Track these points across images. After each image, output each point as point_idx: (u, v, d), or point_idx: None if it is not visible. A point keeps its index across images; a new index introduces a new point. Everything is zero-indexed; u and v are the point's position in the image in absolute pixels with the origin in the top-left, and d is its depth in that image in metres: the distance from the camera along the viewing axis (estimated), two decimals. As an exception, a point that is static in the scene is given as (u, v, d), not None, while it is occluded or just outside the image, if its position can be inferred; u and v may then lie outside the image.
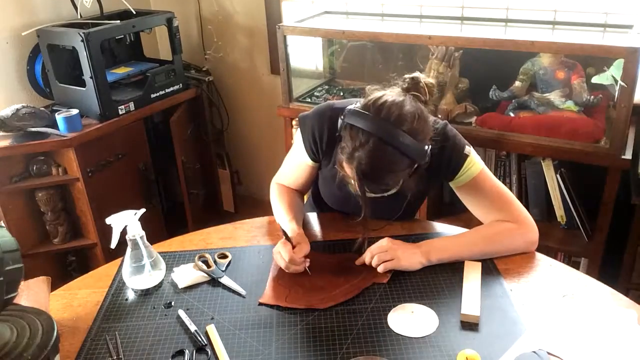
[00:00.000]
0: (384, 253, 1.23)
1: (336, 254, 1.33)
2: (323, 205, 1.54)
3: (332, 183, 1.42)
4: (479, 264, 1.23)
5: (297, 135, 1.42)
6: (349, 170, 1.15)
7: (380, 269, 1.22)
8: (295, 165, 1.44)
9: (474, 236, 1.30)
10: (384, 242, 1.26)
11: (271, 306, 1.16)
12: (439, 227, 1.43)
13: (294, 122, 1.79)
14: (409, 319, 1.10)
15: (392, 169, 1.12)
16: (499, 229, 1.28)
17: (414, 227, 1.41)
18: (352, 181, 1.19)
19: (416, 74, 1.21)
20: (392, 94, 1.15)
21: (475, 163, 1.28)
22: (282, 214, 1.38)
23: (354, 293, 1.17)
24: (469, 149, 1.29)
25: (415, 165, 1.15)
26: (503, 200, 1.29)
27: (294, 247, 1.25)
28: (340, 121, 1.17)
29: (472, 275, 1.20)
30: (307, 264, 1.24)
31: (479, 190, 1.29)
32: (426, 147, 1.14)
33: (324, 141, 1.34)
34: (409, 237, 1.31)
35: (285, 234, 1.29)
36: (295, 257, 1.22)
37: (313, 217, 1.50)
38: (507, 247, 1.27)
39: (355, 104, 1.17)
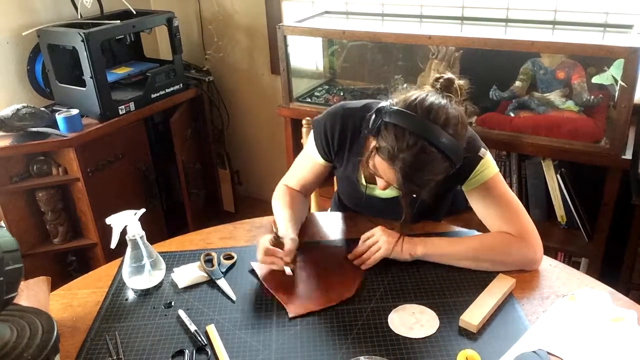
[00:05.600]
0: (374, 246, 1.25)
1: (332, 249, 1.34)
2: (346, 204, 1.55)
3: (346, 183, 1.42)
4: (512, 280, 1.17)
5: (309, 136, 1.43)
6: (387, 170, 1.12)
7: (369, 262, 1.24)
8: (304, 164, 1.45)
9: (470, 242, 1.28)
10: (376, 231, 1.27)
11: (272, 306, 1.16)
12: (440, 227, 1.43)
13: (303, 122, 1.79)
14: (409, 320, 1.10)
15: (435, 171, 1.10)
16: (497, 239, 1.25)
17: (414, 227, 1.40)
18: (381, 180, 1.18)
19: (449, 74, 1.19)
20: (433, 95, 1.13)
21: (489, 166, 1.26)
22: (280, 215, 1.37)
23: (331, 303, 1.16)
24: (485, 152, 1.26)
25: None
26: (511, 211, 1.25)
27: (282, 248, 1.23)
28: (373, 118, 1.14)
29: (496, 288, 1.15)
30: (292, 267, 1.22)
31: (489, 195, 1.26)
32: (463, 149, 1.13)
33: (335, 140, 1.34)
34: (409, 237, 1.30)
35: (276, 232, 1.26)
36: (273, 250, 1.20)
37: (335, 216, 1.50)
38: (501, 259, 1.22)
39: (389, 102, 1.14)
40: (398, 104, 1.12)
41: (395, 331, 1.07)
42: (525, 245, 1.23)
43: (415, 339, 1.05)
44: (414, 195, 1.16)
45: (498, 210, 1.26)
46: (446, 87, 1.16)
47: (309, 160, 1.43)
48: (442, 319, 1.10)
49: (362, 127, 1.30)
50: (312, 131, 1.41)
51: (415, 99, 1.11)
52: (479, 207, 1.29)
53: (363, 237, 1.29)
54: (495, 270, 1.22)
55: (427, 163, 1.08)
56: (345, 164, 1.39)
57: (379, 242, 1.25)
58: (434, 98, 1.11)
